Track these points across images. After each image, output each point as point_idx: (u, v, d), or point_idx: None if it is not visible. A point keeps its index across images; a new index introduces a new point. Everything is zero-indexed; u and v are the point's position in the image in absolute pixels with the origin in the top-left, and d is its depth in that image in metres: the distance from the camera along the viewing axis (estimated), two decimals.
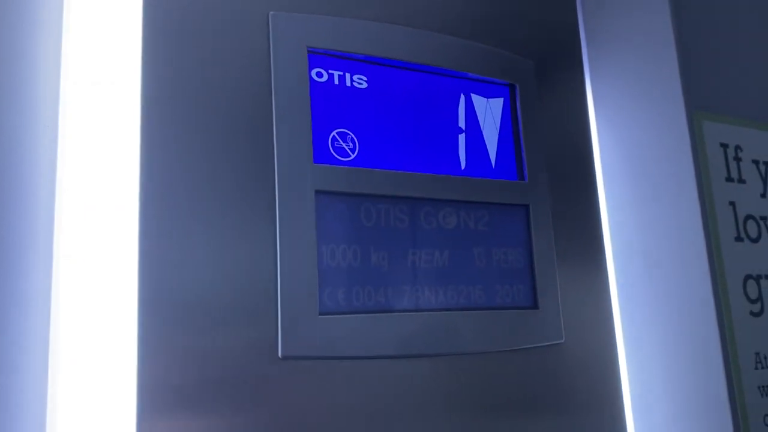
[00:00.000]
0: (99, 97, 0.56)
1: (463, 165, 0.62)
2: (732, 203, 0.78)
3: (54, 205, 0.60)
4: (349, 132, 0.57)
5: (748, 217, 0.79)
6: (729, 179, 0.78)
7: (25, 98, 0.61)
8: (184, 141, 0.50)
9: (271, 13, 0.55)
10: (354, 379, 0.53)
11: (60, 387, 0.55)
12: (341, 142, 0.56)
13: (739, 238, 0.77)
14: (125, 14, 0.52)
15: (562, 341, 0.63)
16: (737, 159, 0.80)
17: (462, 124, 0.63)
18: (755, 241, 0.79)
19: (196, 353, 0.48)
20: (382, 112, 0.59)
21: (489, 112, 0.64)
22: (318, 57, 0.56)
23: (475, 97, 0.64)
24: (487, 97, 0.65)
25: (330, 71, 0.57)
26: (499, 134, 0.65)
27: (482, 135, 0.63)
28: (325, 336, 0.52)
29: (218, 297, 0.49)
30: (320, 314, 0.52)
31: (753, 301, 0.76)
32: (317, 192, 0.54)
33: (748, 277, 0.76)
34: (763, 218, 0.80)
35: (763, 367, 0.74)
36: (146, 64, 0.50)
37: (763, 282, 0.78)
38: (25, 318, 0.57)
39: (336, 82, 0.57)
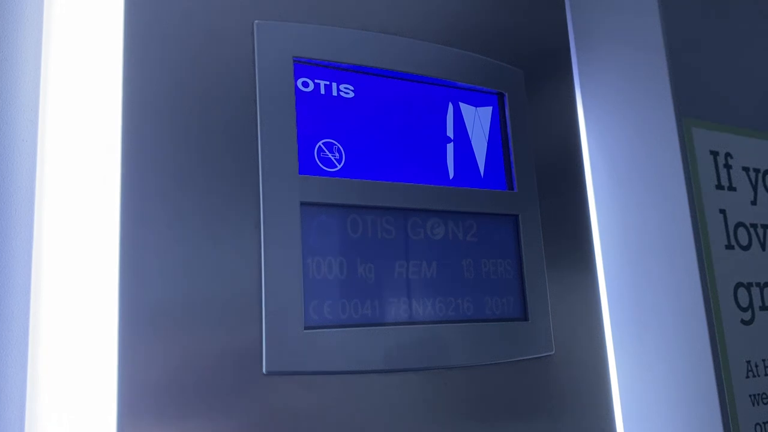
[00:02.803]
0: (79, 104, 0.55)
1: (451, 175, 0.61)
2: (722, 211, 0.77)
3: (33, 210, 0.59)
4: (335, 142, 0.56)
5: (739, 224, 0.79)
6: (719, 187, 0.78)
7: (4, 101, 0.60)
8: (166, 152, 0.49)
9: (256, 22, 0.54)
10: (341, 394, 0.52)
11: (39, 400, 0.54)
12: (327, 153, 0.55)
13: (729, 246, 0.77)
14: (107, 22, 0.51)
15: (552, 353, 0.62)
16: (727, 166, 0.80)
17: (450, 133, 0.62)
18: (746, 248, 0.78)
19: (178, 369, 0.47)
20: (369, 122, 0.58)
21: (478, 121, 0.64)
22: (304, 66, 0.56)
23: (463, 106, 0.63)
24: (476, 106, 0.64)
25: (316, 81, 0.56)
26: (488, 143, 0.64)
27: (471, 144, 0.63)
28: (311, 351, 0.51)
29: (201, 311, 0.48)
30: (305, 328, 0.51)
31: (744, 309, 0.76)
32: (303, 204, 0.53)
33: (738, 285, 0.76)
34: (753, 226, 0.80)
35: (754, 376, 0.74)
36: (128, 72, 0.49)
37: (753, 290, 0.77)
38: (2, 328, 0.56)
39: (322, 91, 0.56)
